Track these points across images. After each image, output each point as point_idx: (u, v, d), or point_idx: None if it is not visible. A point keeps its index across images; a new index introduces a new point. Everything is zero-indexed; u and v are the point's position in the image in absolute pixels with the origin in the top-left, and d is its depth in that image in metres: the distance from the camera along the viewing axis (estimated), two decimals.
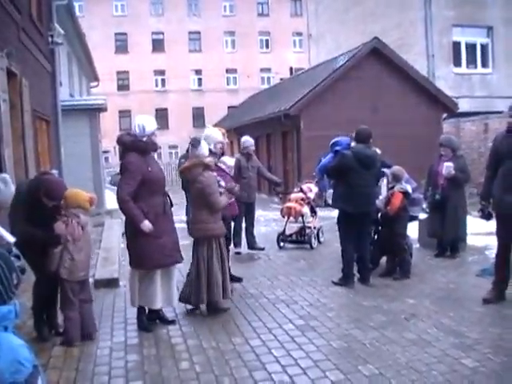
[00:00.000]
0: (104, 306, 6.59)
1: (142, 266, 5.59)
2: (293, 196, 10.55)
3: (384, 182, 8.12)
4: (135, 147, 5.48)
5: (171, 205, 5.77)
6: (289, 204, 10.33)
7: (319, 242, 10.33)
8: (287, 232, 10.41)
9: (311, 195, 10.35)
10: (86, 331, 5.34)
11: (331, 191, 7.88)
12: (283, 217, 10.47)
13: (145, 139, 5.46)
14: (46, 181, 5.18)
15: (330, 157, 7.70)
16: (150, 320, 5.75)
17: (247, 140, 9.76)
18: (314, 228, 10.30)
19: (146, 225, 5.37)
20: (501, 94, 21.28)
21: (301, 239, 10.34)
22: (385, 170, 8.03)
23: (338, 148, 7.49)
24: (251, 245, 9.84)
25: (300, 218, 10.27)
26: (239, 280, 7.60)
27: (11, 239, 4.78)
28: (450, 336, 5.22)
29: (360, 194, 7.16)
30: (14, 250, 3.98)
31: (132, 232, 5.53)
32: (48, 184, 5.13)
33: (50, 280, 5.32)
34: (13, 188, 4.72)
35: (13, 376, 1.89)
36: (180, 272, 6.97)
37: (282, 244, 10.29)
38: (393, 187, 7.81)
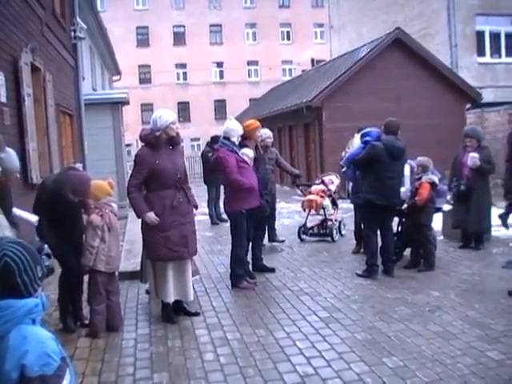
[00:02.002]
0: (128, 298, 6.66)
1: (149, 257, 5.74)
2: (314, 188, 10.47)
3: (407, 174, 8.04)
4: (146, 141, 5.58)
5: (189, 200, 5.74)
6: (310, 197, 10.25)
7: (341, 234, 10.28)
8: (308, 225, 10.37)
9: (332, 187, 10.27)
10: (112, 323, 5.40)
11: (351, 184, 7.87)
12: (304, 210, 10.40)
13: (158, 133, 5.47)
14: (72, 176, 5.20)
15: (360, 147, 7.61)
16: (174, 312, 5.79)
17: (265, 132, 9.75)
18: (336, 220, 10.24)
19: (149, 216, 5.42)
20: None
21: (322, 232, 10.28)
22: (409, 161, 7.96)
23: (368, 139, 7.42)
24: (271, 237, 9.85)
25: (321, 211, 10.21)
26: (272, 270, 7.72)
27: (33, 218, 4.85)
28: (476, 328, 5.17)
29: (389, 186, 7.16)
30: (46, 249, 4.03)
31: (142, 223, 5.62)
32: (74, 180, 5.15)
33: (76, 272, 5.39)
34: (14, 156, 4.65)
35: (42, 369, 1.90)
36: None
37: (303, 237, 10.25)
38: (420, 178, 7.74)
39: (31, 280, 2.05)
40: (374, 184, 7.16)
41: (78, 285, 5.60)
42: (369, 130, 7.64)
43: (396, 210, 7.59)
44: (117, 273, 5.69)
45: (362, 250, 8.56)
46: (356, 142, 8.33)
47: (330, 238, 10.00)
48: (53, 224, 5.12)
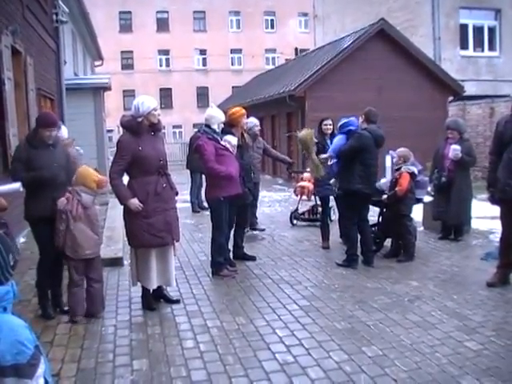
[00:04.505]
0: (108, 284, 6.61)
1: (131, 244, 5.68)
2: (305, 175, 10.71)
3: (389, 165, 8.08)
4: (127, 127, 5.53)
5: (171, 186, 5.72)
6: (302, 183, 10.68)
7: (330, 219, 10.35)
8: (300, 210, 10.70)
9: None
10: (92, 310, 5.37)
11: (333, 181, 7.84)
12: (296, 196, 10.90)
13: (140, 119, 5.43)
14: (39, 113, 5.33)
15: (343, 138, 7.53)
16: (154, 299, 5.77)
17: (252, 121, 9.74)
18: None
19: (132, 203, 5.38)
20: (507, 77, 21.18)
21: (313, 217, 10.55)
22: (391, 151, 8.00)
23: (352, 128, 7.38)
24: (252, 225, 9.87)
25: (312, 197, 10.47)
26: (253, 259, 7.77)
27: (16, 185, 4.84)
28: (454, 318, 5.23)
29: (372, 174, 7.26)
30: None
31: (124, 210, 5.59)
32: (41, 114, 5.26)
33: (53, 257, 5.34)
34: None
35: (15, 357, 1.85)
36: None
37: (294, 222, 10.61)
38: (399, 168, 7.78)
39: (2, 268, 2.02)
40: (362, 173, 7.15)
41: (57, 270, 5.55)
42: (348, 120, 7.57)
43: (371, 200, 7.62)
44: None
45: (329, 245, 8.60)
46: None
47: (319, 223, 10.06)
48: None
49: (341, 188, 7.48)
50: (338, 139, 7.55)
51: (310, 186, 10.24)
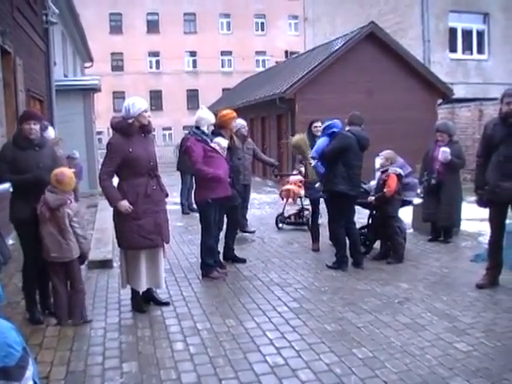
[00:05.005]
0: (98, 287, 6.59)
1: (121, 245, 5.65)
2: (292, 178, 10.67)
3: (378, 166, 8.09)
4: (118, 128, 5.50)
5: (161, 188, 5.69)
6: (288, 186, 10.57)
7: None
8: (286, 214, 10.56)
9: None
10: (72, 314, 5.29)
11: (317, 185, 7.86)
12: (282, 199, 10.72)
13: (131, 121, 5.41)
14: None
15: (327, 140, 7.58)
16: (144, 301, 5.75)
17: (240, 122, 9.73)
18: None
19: (122, 205, 5.35)
20: (496, 80, 21.26)
21: (299, 221, 10.45)
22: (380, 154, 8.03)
23: (335, 130, 7.41)
24: (242, 227, 9.84)
25: (298, 201, 10.41)
26: (243, 261, 7.74)
27: (6, 186, 4.80)
28: (444, 320, 5.24)
29: (356, 176, 7.24)
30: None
31: (114, 212, 5.56)
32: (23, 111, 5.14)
33: (37, 260, 5.28)
34: None
35: (3, 360, 1.83)
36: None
37: (280, 225, 10.46)
38: (386, 170, 7.81)
39: None
40: (345, 174, 7.16)
41: (43, 273, 5.48)
42: (332, 122, 7.61)
43: (358, 202, 7.64)
44: (79, 264, 5.47)
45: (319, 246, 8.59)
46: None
47: (306, 227, 10.06)
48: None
49: (325, 190, 7.48)
50: (321, 141, 7.57)
51: (296, 189, 10.24)
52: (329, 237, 8.46)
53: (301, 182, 10.26)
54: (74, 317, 5.28)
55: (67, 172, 5.31)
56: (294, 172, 11.04)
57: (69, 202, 5.20)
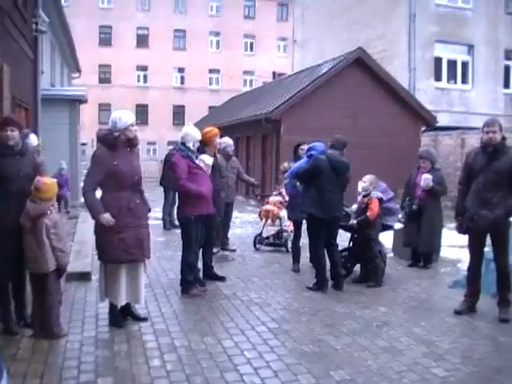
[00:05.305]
0: (75, 299, 6.52)
1: (101, 259, 5.60)
2: (271, 199, 10.62)
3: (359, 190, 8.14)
4: (104, 141, 5.47)
5: (144, 203, 5.66)
6: (267, 207, 10.43)
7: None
8: (264, 234, 10.43)
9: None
10: (45, 328, 5.19)
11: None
12: (261, 219, 10.56)
13: (117, 134, 5.39)
14: None
15: (305, 161, 7.71)
16: (122, 316, 5.68)
17: (226, 141, 9.74)
18: (291, 232, 10.22)
19: (105, 217, 5.30)
20: (478, 110, 21.64)
21: (277, 242, 10.35)
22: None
23: (312, 152, 7.53)
24: (223, 245, 9.80)
25: (277, 221, 10.31)
26: (223, 279, 7.68)
27: None
28: (421, 345, 5.24)
29: (329, 199, 7.23)
30: None
31: (95, 224, 5.51)
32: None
33: (11, 270, 5.21)
34: None
35: None
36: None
37: (258, 246, 10.32)
38: (368, 194, 7.86)
39: None
40: (316, 197, 7.25)
41: (18, 283, 5.38)
42: (314, 144, 7.74)
43: (339, 225, 7.65)
44: (57, 277, 5.37)
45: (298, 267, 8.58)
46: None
47: (284, 249, 10.06)
48: None
49: (302, 211, 7.64)
50: (300, 162, 7.72)
51: (275, 209, 10.19)
52: (309, 258, 8.48)
53: (280, 202, 10.27)
54: (48, 329, 5.17)
55: (45, 179, 5.25)
56: (274, 192, 11.07)
57: (48, 212, 5.12)
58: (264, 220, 10.43)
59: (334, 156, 7.34)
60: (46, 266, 5.09)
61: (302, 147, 8.69)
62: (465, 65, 23.35)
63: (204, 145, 7.30)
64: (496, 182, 6.00)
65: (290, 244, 9.97)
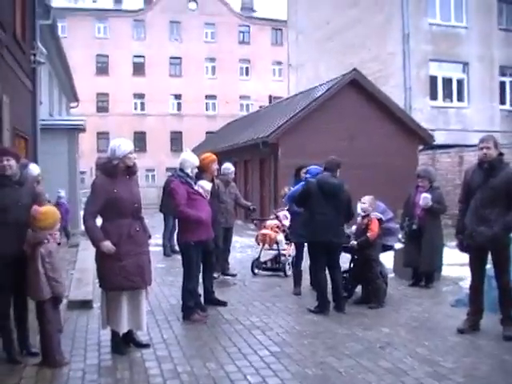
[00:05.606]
0: (77, 327, 6.50)
1: (102, 286, 5.61)
2: (268, 223, 10.55)
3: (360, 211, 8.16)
4: (103, 169, 5.55)
5: (144, 230, 5.70)
6: (264, 231, 10.33)
7: (291, 267, 10.21)
8: (262, 259, 10.35)
9: (286, 223, 10.05)
10: (45, 357, 5.19)
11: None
12: (258, 244, 10.45)
13: (116, 162, 5.45)
14: None
15: (301, 185, 7.78)
16: (124, 343, 5.67)
17: (228, 167, 9.80)
18: (289, 256, 10.13)
19: (105, 245, 5.33)
20: (475, 127, 21.74)
21: (275, 266, 10.27)
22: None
23: (307, 176, 7.61)
24: (224, 271, 9.79)
25: (275, 245, 10.22)
26: (224, 304, 7.66)
27: None
28: (425, 365, 5.22)
29: (319, 222, 7.22)
30: None
31: (96, 252, 5.53)
32: None
33: (13, 299, 5.23)
34: None
35: None
36: None
37: (256, 271, 10.22)
38: (367, 215, 7.88)
39: None
40: (306, 221, 7.37)
41: (20, 312, 5.37)
42: (310, 167, 7.81)
43: (339, 248, 7.60)
44: (64, 301, 5.43)
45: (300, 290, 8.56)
46: None
47: (282, 273, 9.97)
48: None
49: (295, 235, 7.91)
50: (297, 186, 7.81)
51: (272, 233, 10.09)
52: (310, 281, 8.47)
53: (277, 227, 10.24)
54: (49, 358, 5.15)
55: (41, 208, 5.26)
56: (271, 216, 11.04)
57: (45, 241, 5.13)
58: (261, 244, 10.30)
59: (323, 178, 7.37)
60: (42, 293, 5.09)
61: (303, 171, 8.70)
62: (460, 82, 23.55)
63: (201, 171, 7.35)
64: (493, 198, 6.03)
65: (287, 268, 9.95)
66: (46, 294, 5.10)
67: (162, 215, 12.94)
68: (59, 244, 5.25)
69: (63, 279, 5.19)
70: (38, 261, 5.05)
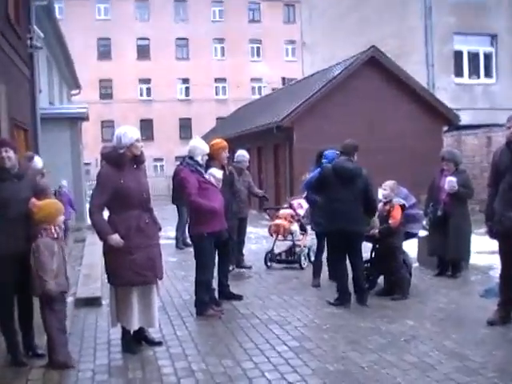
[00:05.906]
0: (86, 326, 6.58)
1: (112, 282, 5.64)
2: (281, 212, 10.48)
3: (381, 197, 8.14)
4: (109, 159, 5.57)
5: (154, 222, 5.75)
6: (277, 221, 10.25)
7: (310, 261, 10.05)
8: (276, 251, 10.32)
9: (301, 212, 10.13)
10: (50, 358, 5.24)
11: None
12: (271, 235, 10.40)
13: (122, 151, 5.47)
14: None
15: (317, 171, 7.76)
16: (135, 341, 5.73)
17: (243, 155, 9.82)
18: (305, 247, 10.17)
19: (113, 239, 5.37)
20: (505, 105, 21.45)
21: (290, 259, 10.24)
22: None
23: (324, 161, 7.60)
24: (238, 263, 9.84)
25: (289, 236, 10.18)
26: (239, 298, 7.72)
27: None
28: (453, 359, 5.23)
29: (336, 210, 7.22)
30: None
31: (104, 246, 5.57)
32: None
33: (16, 298, 5.29)
34: None
35: None
36: None
37: (269, 264, 10.20)
38: (389, 201, 7.86)
39: None
40: (324, 208, 7.37)
41: (24, 313, 5.43)
42: (326, 152, 7.80)
43: (360, 236, 7.57)
44: (71, 299, 5.47)
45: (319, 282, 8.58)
46: None
47: (298, 265, 9.95)
48: None
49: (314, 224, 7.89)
50: (314, 172, 7.85)
51: (286, 224, 10.02)
52: (328, 273, 8.49)
53: (292, 216, 10.19)
54: (53, 359, 5.17)
55: (36, 202, 5.28)
56: (285, 205, 10.99)
57: (39, 236, 5.15)
58: (275, 235, 10.23)
59: (339, 163, 7.36)
60: (33, 290, 5.18)
61: None
62: (488, 57, 23.26)
63: (210, 158, 7.33)
64: None
65: (303, 260, 9.95)
66: (37, 289, 5.14)
67: (174, 207, 12.95)
68: (56, 239, 5.24)
69: (49, 276, 5.14)
70: (30, 255, 5.10)
